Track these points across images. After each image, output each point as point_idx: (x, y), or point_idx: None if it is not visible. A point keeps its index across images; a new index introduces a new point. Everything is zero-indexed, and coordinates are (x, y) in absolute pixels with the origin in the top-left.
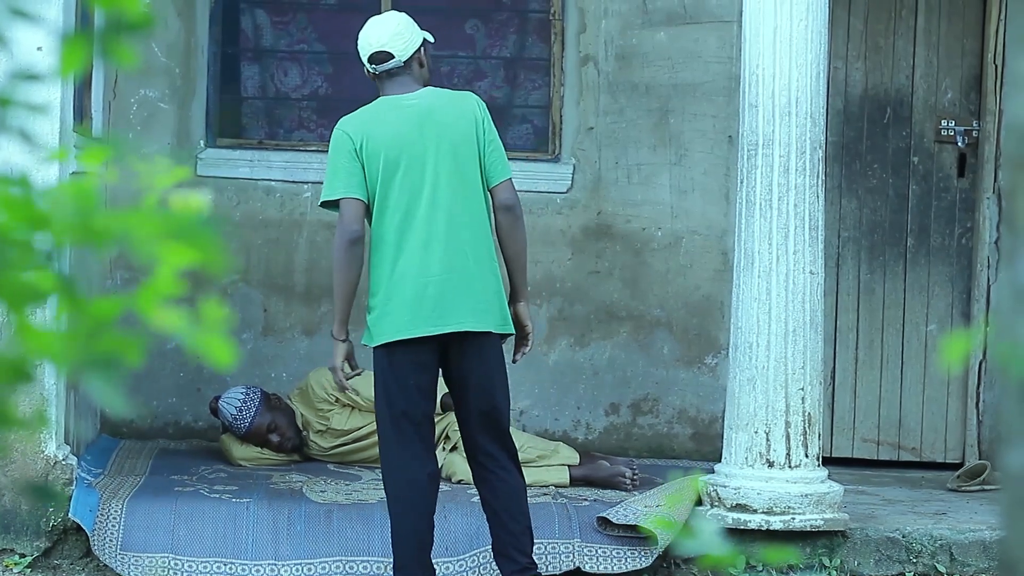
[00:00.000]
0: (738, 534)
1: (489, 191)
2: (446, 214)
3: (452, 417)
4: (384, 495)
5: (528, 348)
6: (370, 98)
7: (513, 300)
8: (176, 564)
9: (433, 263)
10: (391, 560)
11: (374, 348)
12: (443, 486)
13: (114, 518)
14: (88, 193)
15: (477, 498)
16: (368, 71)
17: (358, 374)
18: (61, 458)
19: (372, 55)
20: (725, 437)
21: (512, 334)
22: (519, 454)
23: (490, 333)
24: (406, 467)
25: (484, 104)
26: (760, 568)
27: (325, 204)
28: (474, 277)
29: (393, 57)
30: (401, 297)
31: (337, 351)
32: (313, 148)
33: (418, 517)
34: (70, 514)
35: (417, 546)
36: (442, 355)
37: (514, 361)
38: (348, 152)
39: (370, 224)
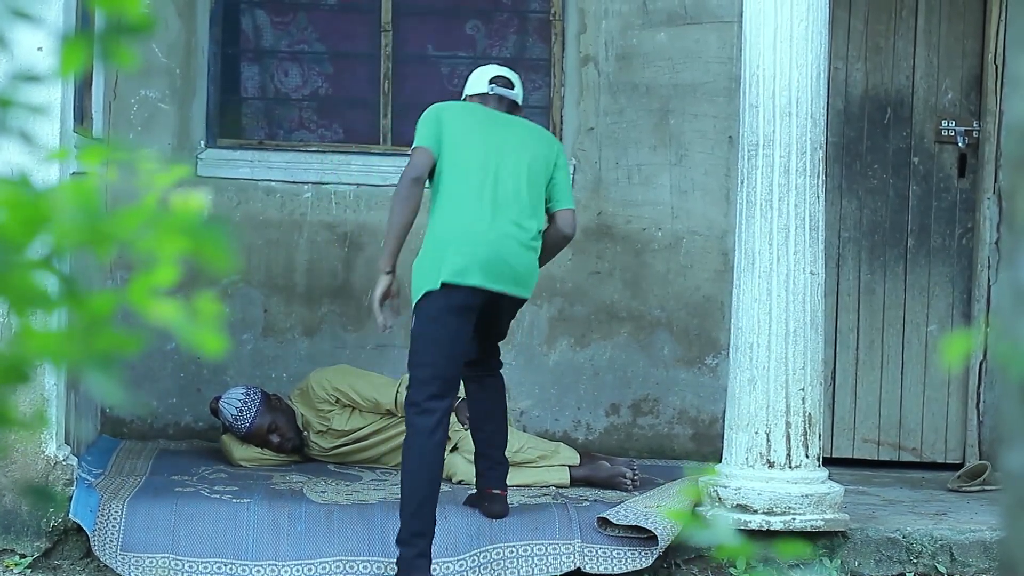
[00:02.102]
0: (738, 535)
1: (550, 216)
2: (514, 199)
3: (452, 419)
4: (384, 494)
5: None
6: (369, 97)
7: None
8: (176, 564)
9: (500, 226)
10: (391, 560)
11: (430, 292)
12: (443, 486)
13: (114, 518)
14: (89, 194)
15: None
16: (479, 89)
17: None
18: (62, 458)
19: (497, 76)
20: (725, 437)
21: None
22: (519, 454)
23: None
24: (431, 417)
25: (564, 151)
26: (761, 568)
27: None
28: (526, 249)
29: (514, 89)
30: (469, 248)
31: (380, 282)
32: (313, 148)
33: (433, 472)
34: (70, 514)
35: (430, 507)
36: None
37: None
38: (435, 120)
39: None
